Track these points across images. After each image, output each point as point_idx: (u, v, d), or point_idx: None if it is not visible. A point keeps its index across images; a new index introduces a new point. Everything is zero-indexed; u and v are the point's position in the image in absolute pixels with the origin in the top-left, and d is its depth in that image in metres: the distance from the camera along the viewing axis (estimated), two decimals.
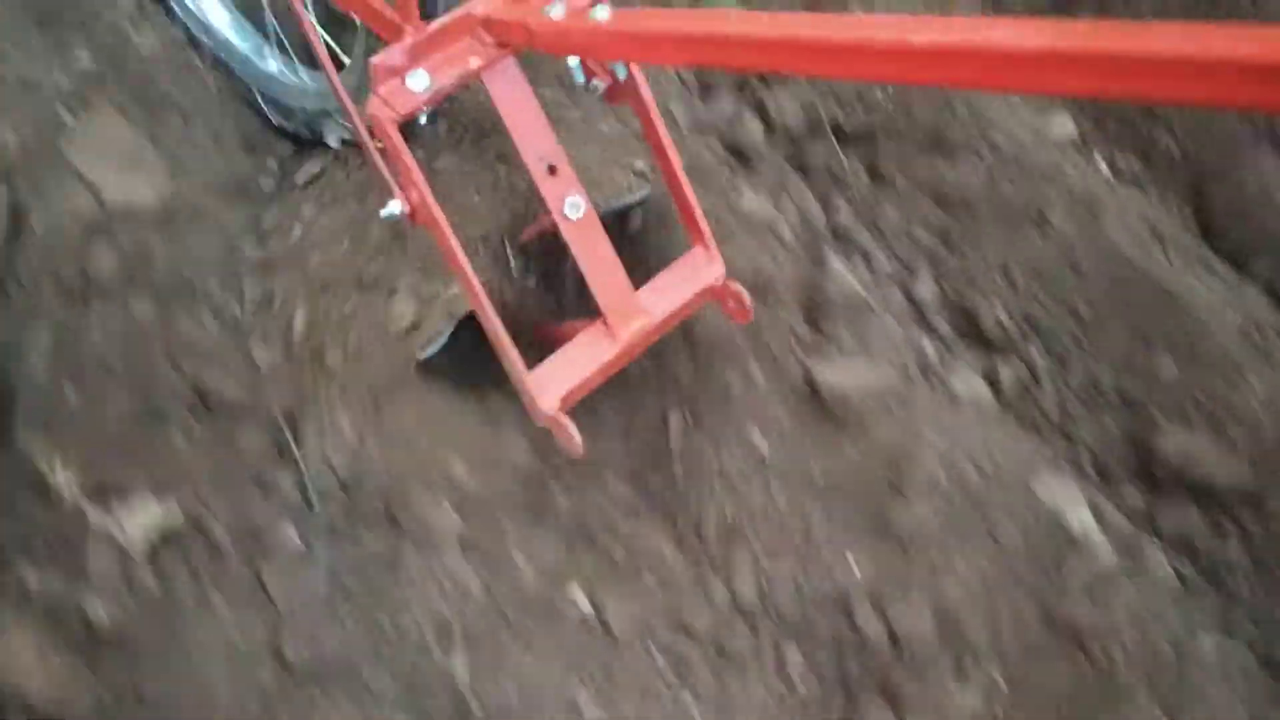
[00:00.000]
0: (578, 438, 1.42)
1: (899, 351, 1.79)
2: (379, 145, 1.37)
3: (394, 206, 1.39)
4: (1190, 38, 0.60)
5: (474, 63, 1.31)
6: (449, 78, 1.30)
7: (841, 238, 1.95)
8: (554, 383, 1.44)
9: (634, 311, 1.48)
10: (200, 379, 1.61)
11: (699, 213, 1.54)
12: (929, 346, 1.85)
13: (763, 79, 2.07)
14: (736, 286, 1.54)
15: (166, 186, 1.74)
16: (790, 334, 1.78)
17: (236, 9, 1.96)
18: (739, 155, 2.01)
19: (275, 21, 1.82)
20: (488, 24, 1.29)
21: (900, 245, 1.95)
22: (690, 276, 1.55)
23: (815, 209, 1.97)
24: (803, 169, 2.02)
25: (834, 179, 2.00)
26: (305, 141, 1.91)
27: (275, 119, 1.91)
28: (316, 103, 1.81)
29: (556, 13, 1.24)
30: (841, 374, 1.73)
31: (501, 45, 1.31)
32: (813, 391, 1.72)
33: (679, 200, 1.54)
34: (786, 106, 2.04)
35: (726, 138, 2.03)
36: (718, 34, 0.99)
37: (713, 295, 1.56)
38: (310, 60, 1.81)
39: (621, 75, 1.43)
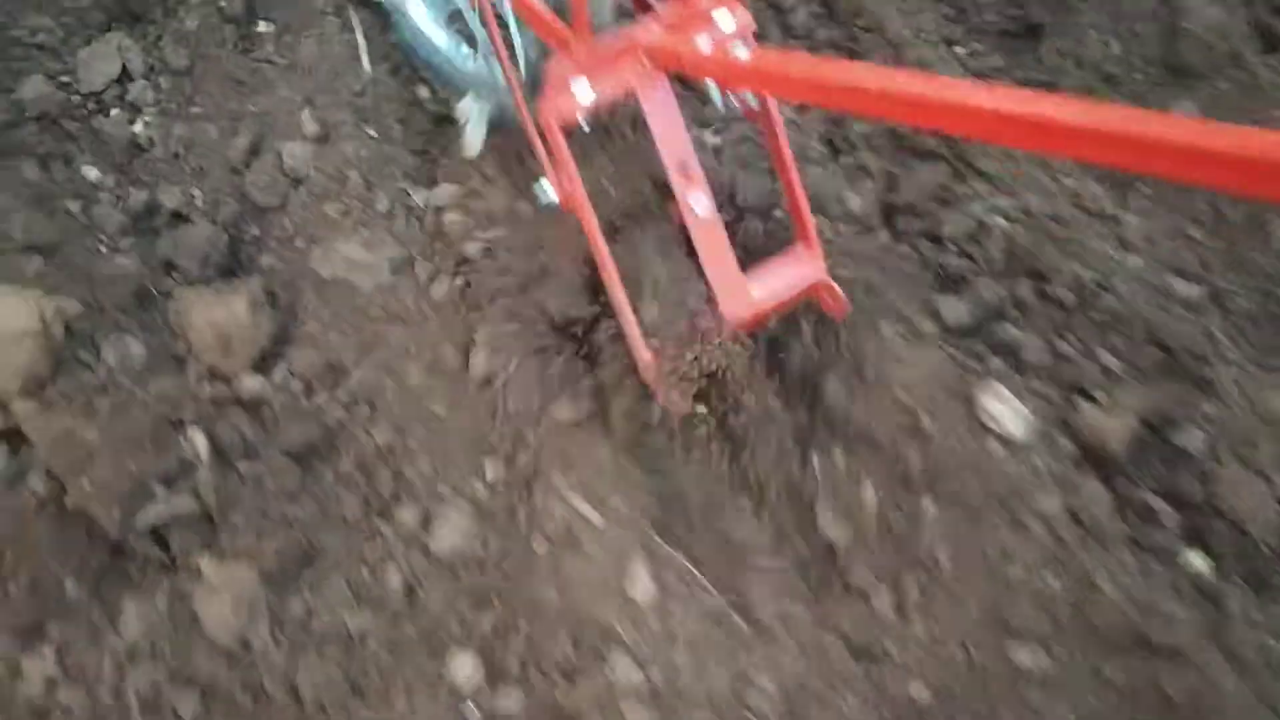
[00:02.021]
0: (679, 400, 1.68)
1: None
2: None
3: (550, 194, 1.65)
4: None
5: (633, 80, 1.56)
6: (610, 91, 1.55)
7: None
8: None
9: (743, 303, 1.72)
10: None
11: (808, 213, 1.76)
12: None
13: None
14: (834, 286, 1.76)
15: None
16: None
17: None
18: None
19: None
20: (649, 50, 1.54)
21: None
22: (794, 271, 1.77)
23: None
24: None
25: None
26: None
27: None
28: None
29: (703, 45, 1.48)
30: None
31: (656, 67, 1.55)
32: None
33: (792, 202, 1.76)
34: None
35: None
36: (844, 82, 1.20)
37: (813, 291, 1.79)
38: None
39: (754, 104, 1.66)
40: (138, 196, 2.06)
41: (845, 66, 1.18)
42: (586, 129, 1.60)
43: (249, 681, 1.60)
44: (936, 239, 2.11)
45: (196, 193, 2.10)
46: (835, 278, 1.76)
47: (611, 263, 1.65)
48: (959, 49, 2.40)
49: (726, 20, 1.59)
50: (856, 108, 1.22)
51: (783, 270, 1.78)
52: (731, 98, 1.72)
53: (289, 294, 1.96)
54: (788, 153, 1.72)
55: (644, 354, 1.69)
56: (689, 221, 1.69)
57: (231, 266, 2.01)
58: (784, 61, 1.37)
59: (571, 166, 1.59)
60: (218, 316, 1.83)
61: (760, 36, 1.65)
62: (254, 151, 2.14)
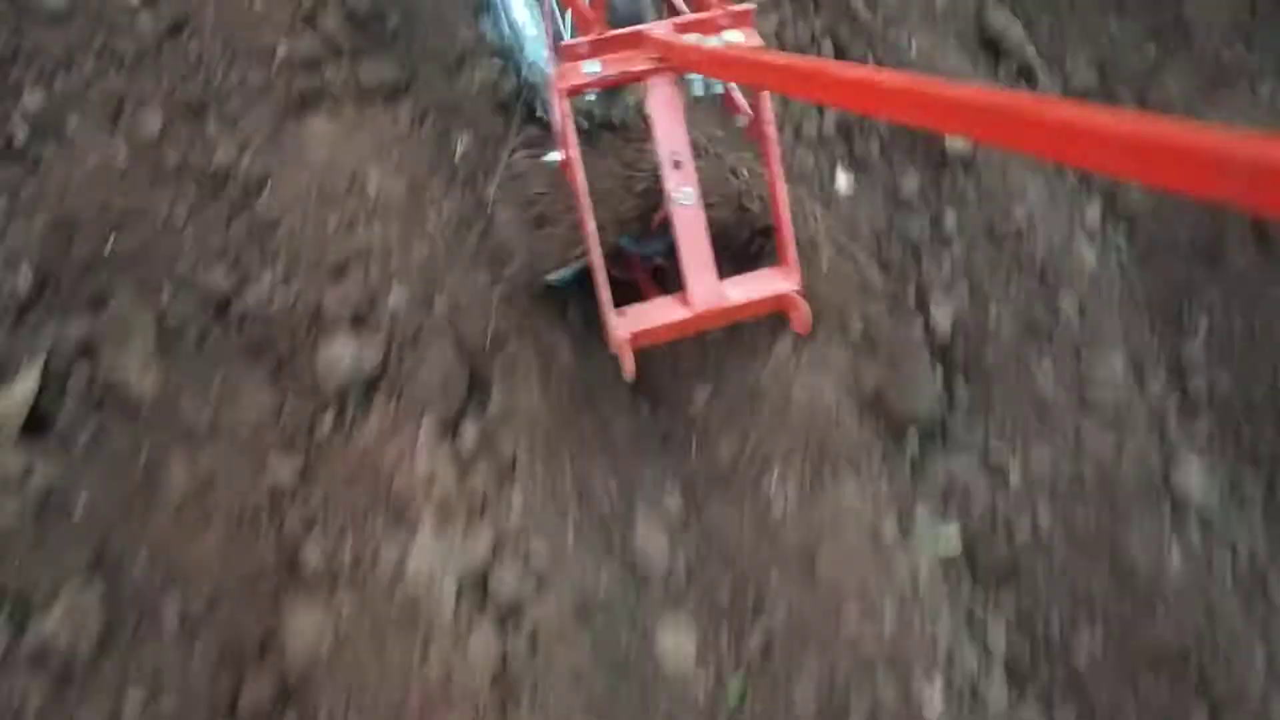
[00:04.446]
0: (631, 365, 1.83)
1: None
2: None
3: (555, 155, 1.87)
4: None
5: (635, 67, 1.78)
6: (614, 71, 1.77)
7: None
8: (629, 321, 1.86)
9: (711, 291, 1.88)
10: None
11: (791, 239, 1.92)
12: None
13: None
14: (803, 302, 1.91)
15: None
16: None
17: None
18: None
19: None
20: (655, 43, 1.76)
21: None
22: (768, 283, 1.93)
23: None
24: None
25: None
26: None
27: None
28: None
29: (691, 39, 1.71)
30: None
31: (660, 60, 1.78)
32: None
33: (777, 223, 1.93)
34: None
35: None
36: (762, 63, 1.41)
37: (781, 304, 1.93)
38: None
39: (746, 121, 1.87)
40: None
41: (809, 59, 1.37)
42: (591, 100, 1.83)
43: None
44: None
45: None
46: None
47: (594, 227, 1.84)
48: None
49: (735, 38, 1.81)
50: (820, 96, 1.40)
51: (756, 279, 1.94)
52: (738, 104, 1.94)
53: None
54: (778, 170, 1.90)
55: (615, 327, 1.85)
56: (673, 210, 1.87)
57: None
58: (754, 52, 1.57)
59: (571, 133, 1.80)
60: None
61: None
62: None
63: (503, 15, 2.38)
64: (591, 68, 1.77)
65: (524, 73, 2.32)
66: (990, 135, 0.96)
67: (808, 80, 1.32)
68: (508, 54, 2.39)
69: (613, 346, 1.86)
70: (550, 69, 1.98)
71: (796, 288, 1.92)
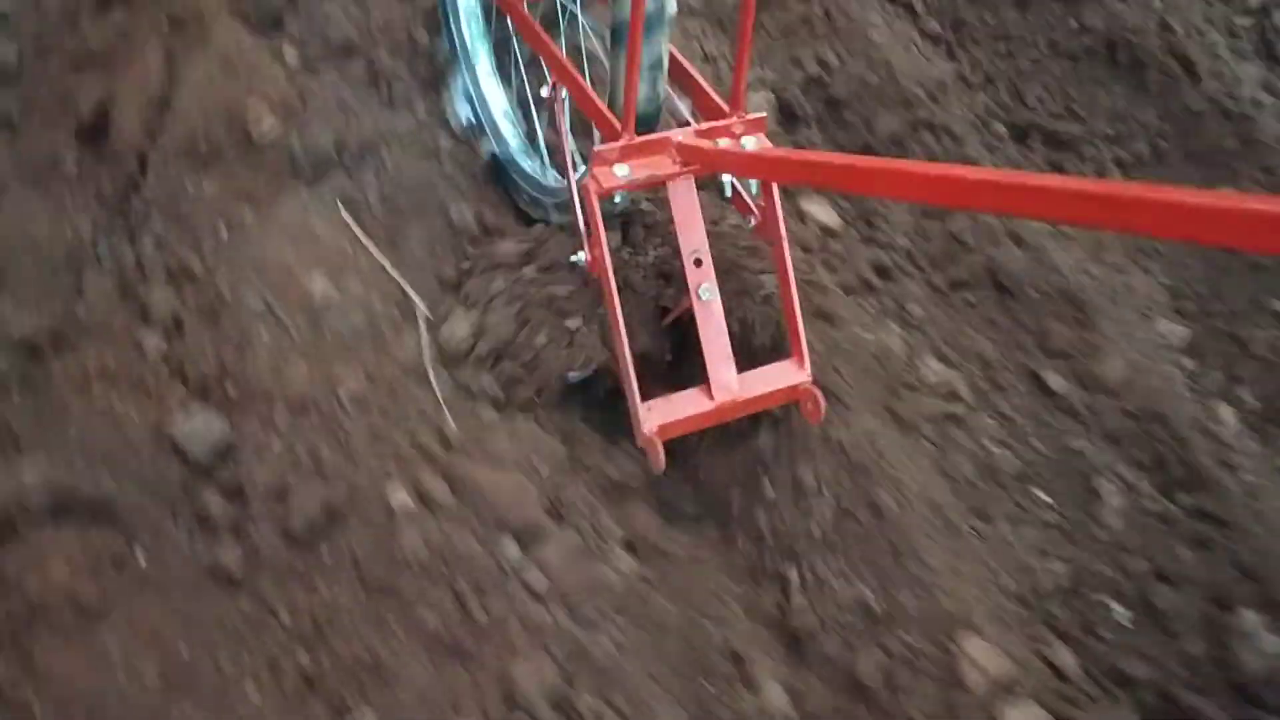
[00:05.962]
0: (661, 459, 1.87)
1: None
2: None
3: (580, 256, 1.94)
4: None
5: (663, 171, 1.88)
6: (643, 174, 1.86)
7: None
8: (656, 415, 1.91)
9: (731, 385, 1.95)
10: None
11: (802, 333, 2.01)
12: None
13: None
14: (816, 392, 1.98)
15: None
16: None
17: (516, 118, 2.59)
18: None
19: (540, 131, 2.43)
20: (679, 147, 1.86)
21: None
22: (782, 376, 2.00)
23: None
24: None
25: None
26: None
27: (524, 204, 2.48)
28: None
29: (704, 143, 1.82)
30: None
31: (684, 164, 1.87)
32: None
33: (790, 322, 2.01)
34: None
35: None
36: (817, 162, 1.51)
37: (796, 395, 2.01)
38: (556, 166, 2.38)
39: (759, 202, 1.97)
40: None
41: (819, 153, 1.48)
42: (618, 203, 1.91)
43: None
44: None
45: None
46: None
47: (623, 325, 1.91)
48: None
49: (750, 144, 1.92)
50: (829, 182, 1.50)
51: (771, 372, 2.01)
52: (749, 205, 2.03)
53: None
54: (790, 269, 1.99)
55: (643, 421, 1.90)
56: (695, 305, 1.95)
57: None
58: (777, 151, 1.68)
59: (602, 233, 1.88)
60: None
61: None
62: None
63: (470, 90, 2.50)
64: (622, 171, 1.85)
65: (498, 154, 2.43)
66: (1083, 217, 1.05)
67: (849, 175, 1.43)
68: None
69: (640, 441, 1.90)
70: (574, 175, 2.07)
71: (809, 379, 2.00)
